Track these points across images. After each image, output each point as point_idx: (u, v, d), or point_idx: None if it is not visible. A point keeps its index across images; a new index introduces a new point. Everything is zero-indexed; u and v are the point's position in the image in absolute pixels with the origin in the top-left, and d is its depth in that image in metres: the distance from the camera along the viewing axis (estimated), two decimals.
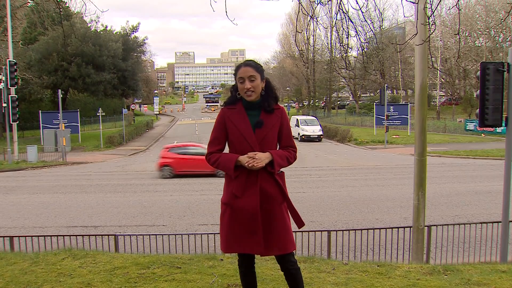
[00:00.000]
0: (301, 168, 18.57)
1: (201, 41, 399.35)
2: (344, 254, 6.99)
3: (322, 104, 66.98)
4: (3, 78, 21.24)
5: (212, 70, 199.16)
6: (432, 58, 37.67)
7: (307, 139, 33.42)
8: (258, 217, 2.74)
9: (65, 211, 11.72)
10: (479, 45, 44.49)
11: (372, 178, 16.74)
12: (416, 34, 4.48)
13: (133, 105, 52.34)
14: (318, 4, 4.09)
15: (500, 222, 6.51)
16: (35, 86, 35.93)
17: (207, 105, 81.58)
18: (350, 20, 4.07)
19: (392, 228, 7.00)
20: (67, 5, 31.96)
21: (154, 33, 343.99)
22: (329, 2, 4.30)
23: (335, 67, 54.20)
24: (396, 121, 34.57)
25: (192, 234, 7.26)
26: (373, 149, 28.69)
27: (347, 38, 4.36)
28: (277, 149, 2.91)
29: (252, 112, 2.83)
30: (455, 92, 50.70)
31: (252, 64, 2.84)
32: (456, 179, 15.93)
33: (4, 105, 21.12)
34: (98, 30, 42.21)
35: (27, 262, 4.58)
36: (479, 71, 6.18)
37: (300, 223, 2.91)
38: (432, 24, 4.25)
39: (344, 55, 5.01)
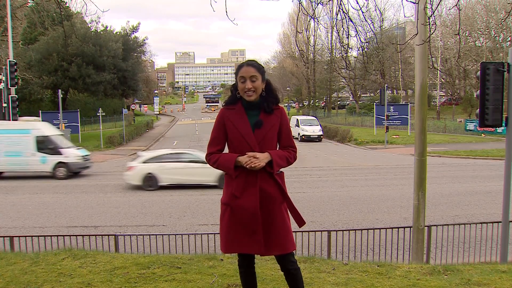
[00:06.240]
0: (301, 168, 18.56)
1: (199, 42, 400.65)
2: (344, 254, 6.98)
3: (322, 104, 66.98)
4: (3, 78, 21.21)
5: (212, 70, 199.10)
6: (432, 58, 37.67)
7: (307, 139, 33.41)
8: (258, 217, 2.74)
9: (65, 211, 11.72)
10: (479, 45, 44.48)
11: (372, 178, 16.74)
12: (416, 34, 4.48)
13: (133, 105, 52.29)
14: (318, 4, 4.09)
15: (500, 222, 6.51)
16: (35, 86, 35.92)
17: (207, 105, 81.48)
18: (351, 20, 4.08)
19: (392, 228, 7.00)
20: (67, 5, 31.99)
21: (152, 33, 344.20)
22: (330, 2, 4.30)
23: (335, 67, 54.20)
24: (396, 121, 34.57)
25: (192, 234, 7.27)
26: (373, 149, 28.68)
27: (348, 38, 4.37)
28: (277, 149, 2.91)
29: (252, 112, 2.83)
30: (455, 92, 50.68)
31: (254, 64, 2.83)
32: (456, 179, 15.94)
33: (4, 105, 21.09)
34: (98, 30, 42.21)
35: (27, 262, 4.58)
36: (479, 71, 6.18)
37: (301, 221, 2.91)
38: (433, 24, 4.24)
39: (344, 55, 5.02)
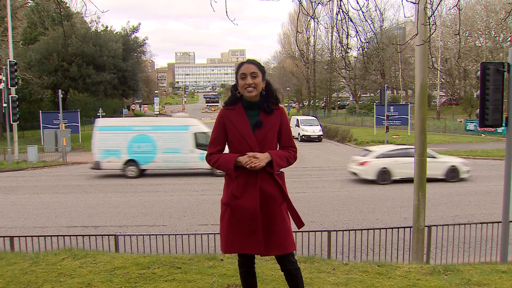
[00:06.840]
0: (301, 168, 18.56)
1: (199, 42, 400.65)
2: (344, 254, 6.99)
3: (322, 104, 66.97)
4: (4, 78, 21.23)
5: (213, 70, 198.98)
6: (432, 58, 37.66)
7: (307, 139, 33.43)
8: (258, 217, 2.73)
9: (65, 211, 11.72)
10: (480, 45, 44.46)
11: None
12: (416, 34, 4.48)
13: (133, 105, 52.35)
14: (318, 4, 4.09)
15: (500, 222, 6.51)
16: (36, 86, 35.93)
17: (207, 105, 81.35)
18: (351, 20, 4.07)
19: (392, 228, 7.00)
20: (67, 5, 31.99)
21: (152, 33, 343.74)
22: (330, 2, 4.30)
23: (335, 67, 54.15)
24: (396, 121, 34.53)
25: (192, 234, 7.27)
26: None
27: (347, 38, 4.36)
28: (277, 149, 2.91)
29: (252, 112, 2.83)
30: (455, 92, 50.66)
31: (254, 62, 2.85)
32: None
33: (5, 105, 21.11)
34: (98, 31, 42.22)
35: (27, 262, 4.58)
36: (479, 71, 6.18)
37: (300, 223, 2.91)
38: (433, 25, 4.24)
39: (344, 55, 5.00)
